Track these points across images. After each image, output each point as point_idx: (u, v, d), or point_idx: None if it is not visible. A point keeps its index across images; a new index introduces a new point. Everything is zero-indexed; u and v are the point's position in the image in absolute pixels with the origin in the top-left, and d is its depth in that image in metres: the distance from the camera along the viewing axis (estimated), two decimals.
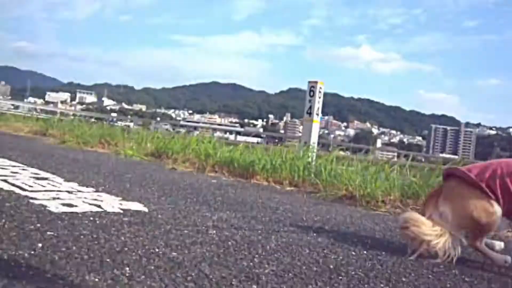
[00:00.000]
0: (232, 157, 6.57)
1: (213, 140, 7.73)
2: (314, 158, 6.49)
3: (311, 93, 7.63)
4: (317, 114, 7.63)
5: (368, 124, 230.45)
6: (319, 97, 7.65)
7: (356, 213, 4.17)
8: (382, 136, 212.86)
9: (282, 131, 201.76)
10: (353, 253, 2.49)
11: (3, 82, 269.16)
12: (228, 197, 4.21)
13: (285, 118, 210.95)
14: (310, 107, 7.62)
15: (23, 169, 4.47)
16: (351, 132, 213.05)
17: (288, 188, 5.57)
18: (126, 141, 9.54)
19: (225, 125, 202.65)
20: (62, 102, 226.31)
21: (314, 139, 7.54)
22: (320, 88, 7.65)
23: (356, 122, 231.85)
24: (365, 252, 2.55)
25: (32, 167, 4.72)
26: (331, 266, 2.13)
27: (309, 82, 7.77)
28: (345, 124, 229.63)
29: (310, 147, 6.82)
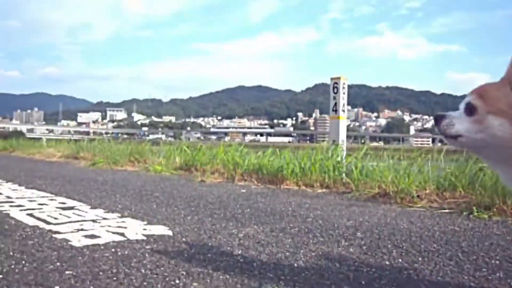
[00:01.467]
0: (260, 164, 6.47)
1: (240, 148, 7.63)
2: (344, 156, 6.31)
3: (335, 90, 7.47)
4: (343, 111, 7.47)
5: (399, 112, 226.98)
6: (344, 93, 7.48)
7: (390, 212, 3.99)
8: (415, 122, 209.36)
9: (312, 128, 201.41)
10: (387, 262, 2.33)
11: (36, 109, 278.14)
12: (257, 207, 4.10)
13: (314, 115, 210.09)
14: (335, 104, 7.45)
15: (51, 199, 4.47)
16: (382, 121, 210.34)
17: (319, 191, 5.42)
18: (155, 156, 9.57)
19: (255, 128, 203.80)
20: (93, 121, 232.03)
21: (342, 136, 7.37)
22: (344, 83, 7.48)
23: (386, 111, 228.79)
24: (400, 260, 2.38)
25: (60, 195, 4.72)
26: (363, 282, 1.98)
27: (332, 78, 7.60)
28: (375, 114, 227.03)
29: (339, 145, 6.65)
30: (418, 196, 4.57)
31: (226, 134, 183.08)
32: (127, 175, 7.52)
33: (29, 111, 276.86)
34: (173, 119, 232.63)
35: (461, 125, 1.50)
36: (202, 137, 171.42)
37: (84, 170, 8.75)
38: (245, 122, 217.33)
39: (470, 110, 1.49)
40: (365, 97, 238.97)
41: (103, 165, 9.46)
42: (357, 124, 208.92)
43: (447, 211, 4.07)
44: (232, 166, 6.78)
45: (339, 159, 6.05)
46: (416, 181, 4.76)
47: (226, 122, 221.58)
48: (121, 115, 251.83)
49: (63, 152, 13.14)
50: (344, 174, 5.76)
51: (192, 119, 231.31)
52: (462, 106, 1.53)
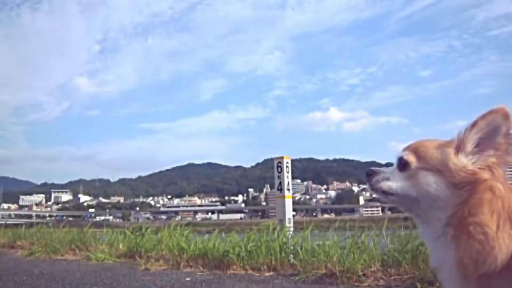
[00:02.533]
0: (206, 248, 6.31)
1: (185, 232, 7.45)
2: (290, 236, 6.28)
3: (279, 169, 7.57)
4: (288, 189, 7.53)
5: (347, 183, 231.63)
6: (287, 172, 7.58)
7: None
8: (364, 192, 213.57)
9: (264, 203, 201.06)
10: None
11: None
12: None
13: (265, 190, 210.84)
14: (280, 183, 7.53)
15: None
16: (332, 193, 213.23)
17: (266, 274, 5.32)
18: (98, 243, 9.18)
19: (206, 205, 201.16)
20: (36, 204, 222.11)
21: (289, 215, 7.38)
22: (287, 162, 7.60)
23: (335, 183, 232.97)
24: None
25: None
26: None
27: (275, 158, 7.74)
28: (325, 186, 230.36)
29: (285, 225, 6.64)
30: (364, 274, 4.56)
31: (176, 213, 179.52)
32: (66, 266, 7.13)
33: None
34: (121, 199, 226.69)
35: (393, 181, 1.47)
36: (151, 217, 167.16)
37: (20, 261, 8.24)
38: (195, 200, 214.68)
39: (403, 165, 1.47)
40: (313, 170, 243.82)
41: (42, 254, 8.95)
42: (307, 197, 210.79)
43: None
44: (177, 252, 6.58)
45: (285, 240, 6.01)
46: (361, 260, 4.77)
47: (176, 201, 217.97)
48: (66, 196, 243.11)
49: None
50: (291, 255, 5.70)
51: (141, 199, 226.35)
52: (395, 161, 1.52)
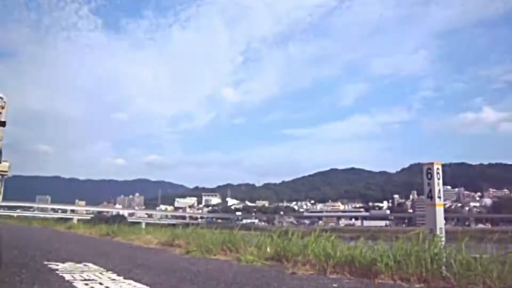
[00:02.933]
0: (352, 255, 6.26)
1: (331, 238, 7.46)
2: (442, 247, 5.95)
3: (429, 176, 7.24)
4: (439, 197, 7.17)
5: (506, 191, 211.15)
6: (438, 178, 7.22)
7: None
8: None
9: (410, 211, 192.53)
10: None
11: (137, 194, 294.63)
12: None
13: (411, 197, 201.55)
14: (430, 191, 7.20)
15: None
16: (487, 201, 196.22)
17: (416, 286, 5.12)
18: (247, 245, 9.62)
19: (349, 211, 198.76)
20: (190, 206, 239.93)
21: (440, 224, 7.02)
22: (438, 169, 7.25)
23: (491, 190, 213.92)
24: None
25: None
26: None
27: (424, 164, 7.41)
28: (479, 193, 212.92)
29: (437, 235, 6.32)
30: None
31: (319, 218, 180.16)
32: (220, 265, 7.61)
33: (131, 196, 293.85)
34: (266, 203, 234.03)
35: None
36: (295, 222, 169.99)
37: (179, 259, 8.99)
38: (339, 205, 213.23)
39: None
40: (466, 176, 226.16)
41: (197, 253, 9.67)
42: (459, 205, 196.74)
43: None
44: (324, 258, 6.62)
45: (436, 250, 5.70)
46: None
47: (319, 206, 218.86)
48: (215, 200, 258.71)
49: (159, 239, 13.64)
50: (443, 267, 5.40)
51: (285, 203, 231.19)
52: None
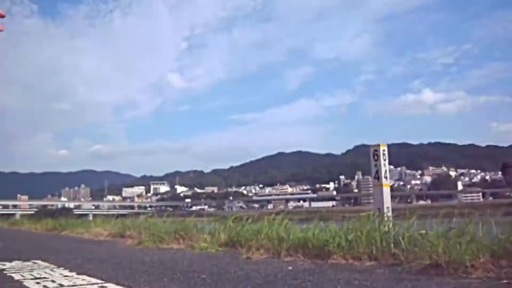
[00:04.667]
0: (305, 238, 6.40)
1: (284, 222, 7.58)
2: (390, 225, 6.19)
3: (375, 157, 7.50)
4: (385, 177, 7.44)
5: (444, 168, 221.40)
6: (384, 159, 7.49)
7: (445, 286, 3.85)
8: (462, 178, 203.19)
9: (356, 191, 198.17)
10: None
11: (83, 185, 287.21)
12: None
13: (356, 177, 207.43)
14: (377, 171, 7.45)
15: (102, 286, 4.54)
16: (427, 179, 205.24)
17: (367, 264, 5.30)
18: (200, 232, 9.62)
19: (298, 194, 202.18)
20: (138, 195, 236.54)
21: (387, 203, 7.30)
22: (384, 150, 7.52)
23: (431, 168, 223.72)
24: None
25: (110, 282, 4.78)
26: None
27: (371, 146, 7.67)
28: (420, 172, 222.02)
29: (385, 213, 6.57)
30: (472, 265, 4.39)
31: (268, 201, 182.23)
32: (173, 254, 7.58)
33: (76, 188, 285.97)
34: (215, 189, 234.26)
35: None
36: (245, 206, 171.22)
37: (131, 250, 8.88)
38: (287, 188, 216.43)
39: None
40: (407, 155, 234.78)
41: (149, 243, 9.57)
42: (401, 183, 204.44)
43: (505, 281, 3.89)
44: (277, 242, 6.73)
45: (386, 229, 5.93)
46: (469, 250, 4.59)
47: (268, 190, 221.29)
48: (164, 188, 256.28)
49: (110, 231, 13.41)
50: (392, 245, 5.62)
51: (234, 189, 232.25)
52: None
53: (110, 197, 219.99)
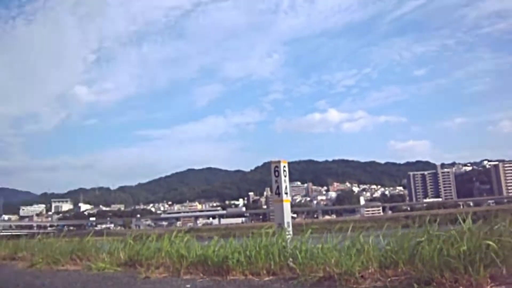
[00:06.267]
0: (205, 255, 6.35)
1: (185, 238, 7.47)
2: (289, 240, 6.32)
3: (276, 173, 7.62)
4: (286, 193, 7.58)
5: (348, 184, 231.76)
6: (285, 176, 7.63)
7: None
8: (364, 193, 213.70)
9: (264, 207, 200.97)
10: None
11: None
12: None
13: (265, 193, 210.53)
14: (278, 187, 7.58)
15: None
16: (332, 194, 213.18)
17: (266, 279, 5.37)
18: (99, 252, 9.20)
19: (207, 211, 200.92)
20: (37, 214, 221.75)
21: (287, 218, 7.43)
22: (284, 166, 7.66)
23: (335, 184, 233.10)
24: None
25: None
26: None
27: (272, 162, 7.79)
28: (325, 188, 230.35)
29: (284, 229, 6.69)
30: (361, 276, 4.60)
31: (177, 219, 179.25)
32: (67, 276, 7.16)
33: None
34: (122, 207, 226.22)
35: None
36: (153, 224, 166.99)
37: (22, 273, 8.29)
38: (196, 205, 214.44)
39: None
40: (313, 172, 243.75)
41: (43, 265, 8.98)
42: (308, 199, 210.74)
43: None
44: (177, 259, 6.61)
45: (284, 243, 6.04)
46: (359, 261, 4.81)
47: (177, 207, 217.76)
48: (67, 206, 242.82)
49: None
50: (290, 259, 5.74)
51: (142, 206, 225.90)
52: None
53: (5, 217, 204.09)
